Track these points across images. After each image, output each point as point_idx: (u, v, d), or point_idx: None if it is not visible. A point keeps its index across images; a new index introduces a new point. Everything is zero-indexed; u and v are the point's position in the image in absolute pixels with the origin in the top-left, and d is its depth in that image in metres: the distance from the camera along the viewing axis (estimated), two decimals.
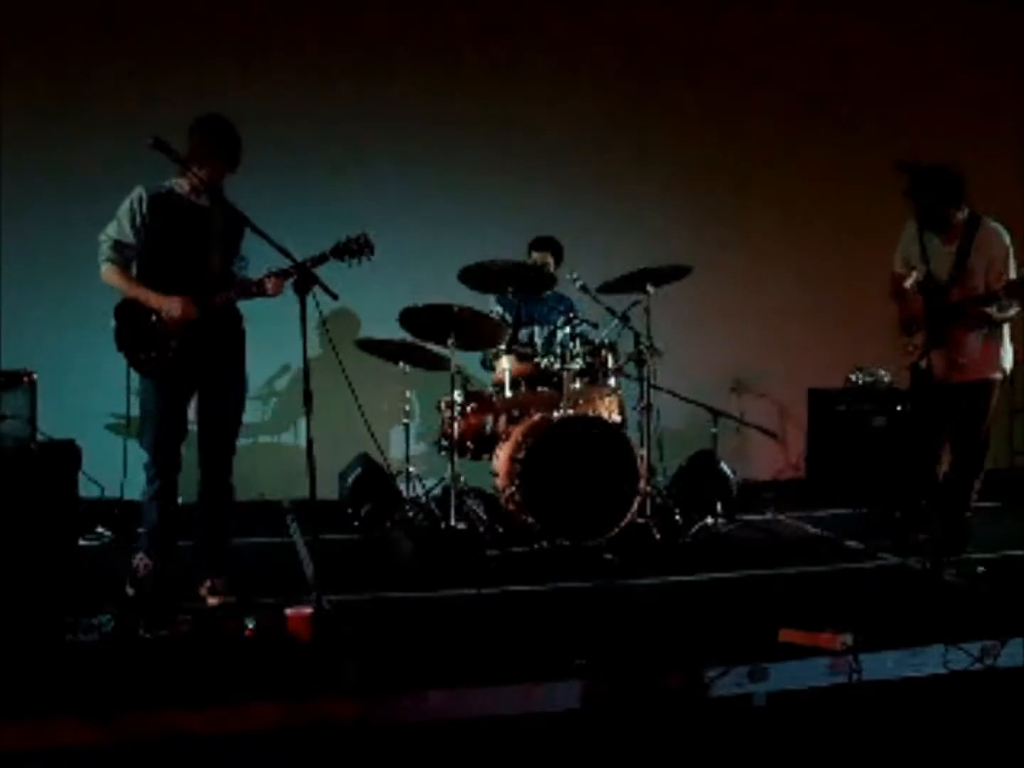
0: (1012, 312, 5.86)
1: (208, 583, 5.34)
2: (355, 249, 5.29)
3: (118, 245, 5.25)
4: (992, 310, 5.80)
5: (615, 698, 4.10)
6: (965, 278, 5.84)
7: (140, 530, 5.49)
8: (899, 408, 7.50)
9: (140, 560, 5.38)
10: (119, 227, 5.25)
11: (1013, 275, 5.81)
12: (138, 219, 5.23)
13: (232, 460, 5.50)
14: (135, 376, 5.43)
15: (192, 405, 5.47)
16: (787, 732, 4.15)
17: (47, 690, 3.96)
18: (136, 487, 7.22)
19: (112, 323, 5.30)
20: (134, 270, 5.32)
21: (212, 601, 5.30)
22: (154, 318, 5.21)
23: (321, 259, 5.18)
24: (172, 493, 5.40)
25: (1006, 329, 6.02)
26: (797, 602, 5.15)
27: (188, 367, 5.27)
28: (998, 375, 6.04)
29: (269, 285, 5.24)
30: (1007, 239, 5.92)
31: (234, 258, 5.43)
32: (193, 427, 5.47)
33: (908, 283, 6.07)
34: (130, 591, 5.29)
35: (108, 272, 5.28)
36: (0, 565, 5.43)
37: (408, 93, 8.12)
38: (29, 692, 3.92)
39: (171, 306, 5.17)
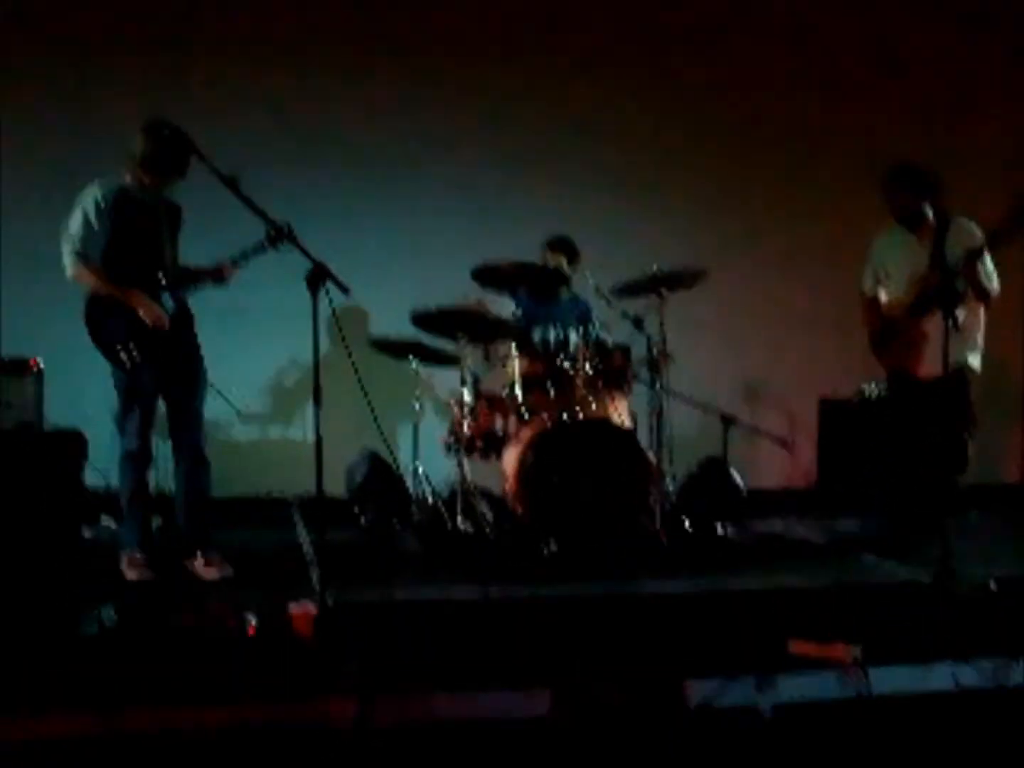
0: (995, 282, 6.04)
1: (201, 557, 5.58)
2: (282, 235, 5.26)
3: (87, 243, 5.33)
4: (981, 273, 5.93)
5: (620, 705, 4.05)
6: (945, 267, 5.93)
7: (125, 527, 5.67)
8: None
9: (131, 556, 5.53)
10: (86, 224, 5.33)
11: (990, 265, 6.00)
12: (104, 216, 5.33)
13: (204, 435, 5.77)
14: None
15: None
16: (794, 745, 4.10)
17: (47, 682, 3.92)
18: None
19: (84, 316, 5.43)
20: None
21: (210, 574, 5.53)
22: (126, 312, 5.36)
23: (254, 251, 5.54)
24: (147, 480, 5.69)
25: (981, 322, 6.17)
26: (806, 612, 5.07)
27: (160, 357, 5.46)
28: (975, 364, 6.18)
29: (226, 272, 5.63)
30: (979, 231, 6.05)
31: (178, 249, 5.65)
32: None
33: (883, 296, 6.40)
34: (131, 575, 5.45)
35: (79, 271, 5.35)
36: (4, 554, 5.43)
37: (418, 88, 8.06)
38: (29, 684, 3.89)
39: (154, 314, 5.40)
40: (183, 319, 5.64)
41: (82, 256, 5.32)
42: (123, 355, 5.38)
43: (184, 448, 5.71)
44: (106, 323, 5.38)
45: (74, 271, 5.35)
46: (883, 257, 6.42)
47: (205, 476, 5.74)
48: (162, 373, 5.52)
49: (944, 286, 5.76)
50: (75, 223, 5.35)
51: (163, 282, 5.50)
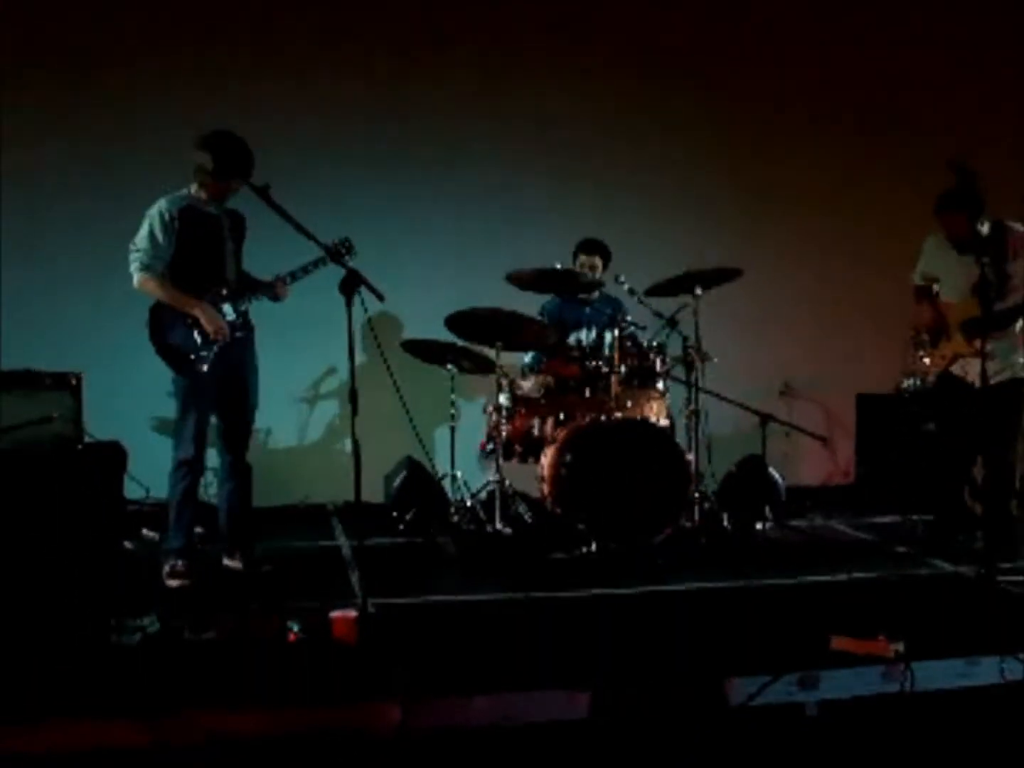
0: None
1: (241, 556, 5.87)
2: (344, 251, 5.65)
3: (153, 255, 5.53)
4: None
5: (663, 705, 4.04)
6: (1007, 282, 5.85)
7: (171, 534, 5.74)
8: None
9: (173, 565, 5.64)
10: (151, 237, 5.53)
11: None
12: (170, 230, 5.52)
13: (249, 444, 5.98)
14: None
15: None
16: (839, 743, 4.07)
17: (90, 692, 3.95)
18: None
19: (147, 324, 5.60)
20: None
21: (248, 568, 5.84)
22: (190, 321, 5.53)
23: (313, 266, 5.69)
24: (197, 489, 5.84)
25: None
26: (847, 609, 5.05)
27: (218, 367, 5.61)
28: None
29: (280, 290, 5.77)
30: None
31: (242, 258, 5.83)
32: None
33: (937, 288, 6.23)
34: (173, 583, 5.57)
35: (144, 280, 5.56)
36: (46, 566, 5.47)
37: (449, 94, 8.06)
38: (72, 693, 3.91)
39: (216, 323, 5.54)
40: (244, 330, 5.77)
41: (147, 267, 5.52)
42: (185, 363, 5.54)
43: (232, 457, 5.87)
44: (169, 331, 5.55)
45: (139, 280, 5.55)
46: (933, 263, 6.26)
47: (249, 482, 5.92)
48: (220, 382, 5.66)
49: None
50: (141, 235, 5.55)
51: (224, 293, 5.64)
